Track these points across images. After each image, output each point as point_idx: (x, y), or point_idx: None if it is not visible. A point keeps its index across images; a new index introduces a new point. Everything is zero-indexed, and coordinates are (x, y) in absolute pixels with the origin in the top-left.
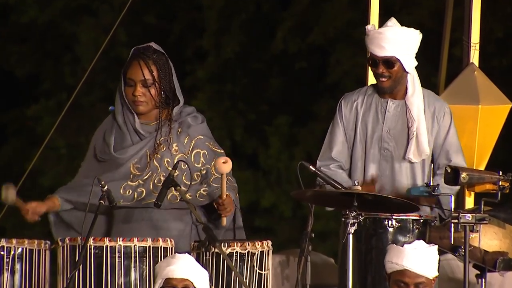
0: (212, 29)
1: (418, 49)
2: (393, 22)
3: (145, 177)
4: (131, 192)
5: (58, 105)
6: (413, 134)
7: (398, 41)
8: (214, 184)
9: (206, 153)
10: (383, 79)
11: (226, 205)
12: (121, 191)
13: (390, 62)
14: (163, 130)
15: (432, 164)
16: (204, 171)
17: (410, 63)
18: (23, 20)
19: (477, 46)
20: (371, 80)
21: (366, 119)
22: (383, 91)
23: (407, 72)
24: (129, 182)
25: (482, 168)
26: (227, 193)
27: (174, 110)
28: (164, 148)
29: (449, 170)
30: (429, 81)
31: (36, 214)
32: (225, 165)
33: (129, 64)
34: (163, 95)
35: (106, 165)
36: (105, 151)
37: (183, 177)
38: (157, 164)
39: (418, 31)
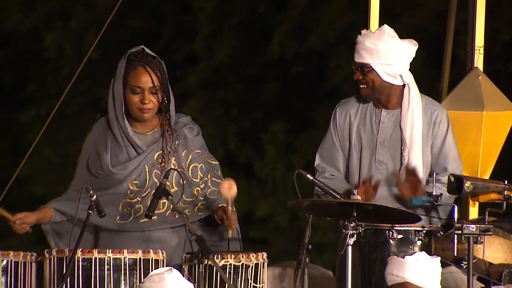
0: (204, 32)
1: (421, 54)
2: (382, 29)
3: (143, 194)
4: (129, 209)
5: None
6: (404, 160)
7: (373, 50)
8: (211, 197)
9: (203, 166)
10: (361, 85)
11: (232, 221)
12: (120, 208)
13: (363, 69)
14: (162, 142)
15: (434, 173)
16: (203, 185)
17: (387, 73)
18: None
19: (482, 50)
20: None
21: (360, 129)
22: (365, 98)
23: (388, 82)
24: (128, 200)
25: (487, 177)
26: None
27: (173, 119)
28: (163, 164)
29: (452, 179)
30: (432, 86)
31: (25, 224)
32: (230, 190)
33: (131, 70)
34: (165, 101)
35: (102, 180)
36: (101, 167)
37: (183, 196)
38: (156, 180)
39: (409, 43)
